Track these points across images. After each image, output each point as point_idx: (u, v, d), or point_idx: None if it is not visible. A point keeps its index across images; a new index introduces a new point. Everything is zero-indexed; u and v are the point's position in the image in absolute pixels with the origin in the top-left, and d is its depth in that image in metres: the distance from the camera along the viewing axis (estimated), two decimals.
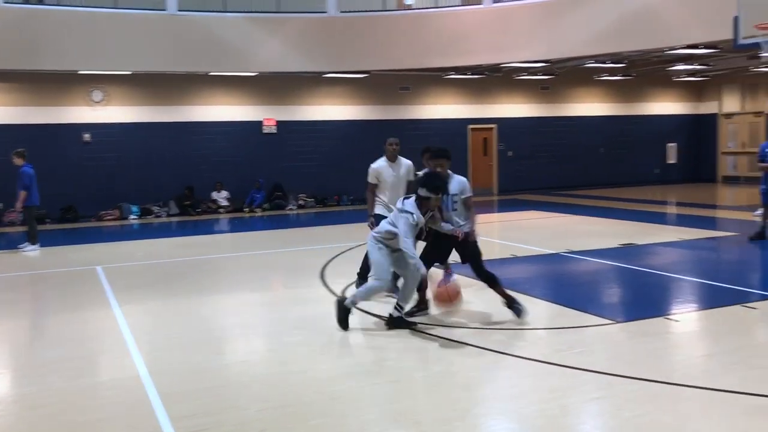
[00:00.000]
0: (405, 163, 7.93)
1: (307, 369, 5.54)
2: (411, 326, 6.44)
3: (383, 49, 17.30)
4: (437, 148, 7.00)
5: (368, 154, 20.13)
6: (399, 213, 6.41)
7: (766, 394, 4.71)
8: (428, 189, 6.34)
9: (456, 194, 6.69)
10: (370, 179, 7.79)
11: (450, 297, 6.66)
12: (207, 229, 15.48)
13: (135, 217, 17.33)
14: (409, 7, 19.64)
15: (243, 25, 16.75)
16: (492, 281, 6.77)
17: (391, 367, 5.57)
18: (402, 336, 6.39)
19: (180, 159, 18.04)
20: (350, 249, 11.18)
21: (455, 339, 6.16)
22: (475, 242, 6.66)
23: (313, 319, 7.10)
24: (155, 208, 17.69)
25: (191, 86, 18.11)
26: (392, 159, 7.82)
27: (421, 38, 17.21)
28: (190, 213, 17.75)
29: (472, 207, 6.75)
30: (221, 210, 18.18)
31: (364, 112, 20.04)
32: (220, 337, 6.67)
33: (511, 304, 6.74)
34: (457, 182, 6.75)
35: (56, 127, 16.88)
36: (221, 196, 18.36)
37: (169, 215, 17.70)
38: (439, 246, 6.81)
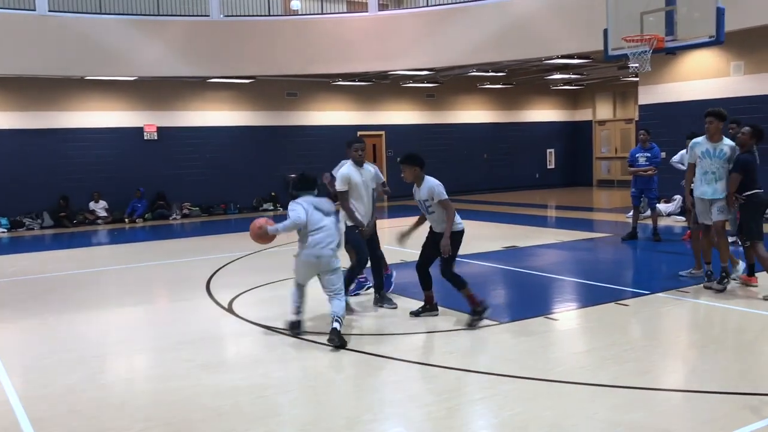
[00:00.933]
0: (370, 168, 7.59)
1: (192, 385, 5.35)
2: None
3: (269, 55, 17.10)
4: (405, 155, 7.02)
5: (256, 160, 19.97)
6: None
7: (637, 386, 4.98)
8: (296, 189, 6.89)
9: (426, 200, 6.80)
10: (341, 186, 7.21)
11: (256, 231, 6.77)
12: (84, 241, 14.69)
13: (4, 230, 16.22)
14: (295, 13, 19.54)
15: (121, 27, 16.06)
16: (458, 284, 6.80)
17: (278, 379, 5.47)
18: (288, 347, 6.30)
19: (54, 168, 17.06)
20: (237, 259, 10.94)
21: (346, 347, 6.13)
22: (448, 244, 6.66)
23: (197, 334, 6.88)
24: (27, 221, 16.63)
25: (65, 91, 17.18)
26: (360, 164, 7.38)
27: (307, 44, 17.14)
28: (66, 225, 16.81)
29: (447, 209, 6.78)
30: (100, 221, 17.34)
31: (251, 118, 19.73)
32: (98, 356, 6.32)
33: (476, 309, 6.73)
34: (426, 189, 6.83)
35: None
36: (99, 207, 17.52)
37: (42, 227, 16.70)
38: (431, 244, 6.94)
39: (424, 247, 7.08)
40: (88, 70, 16.21)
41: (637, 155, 11.79)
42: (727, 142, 7.88)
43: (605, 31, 10.86)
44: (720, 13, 9.30)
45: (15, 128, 16.68)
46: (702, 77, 15.35)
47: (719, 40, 9.57)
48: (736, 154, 7.77)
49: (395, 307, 7.48)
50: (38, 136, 16.90)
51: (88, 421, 4.66)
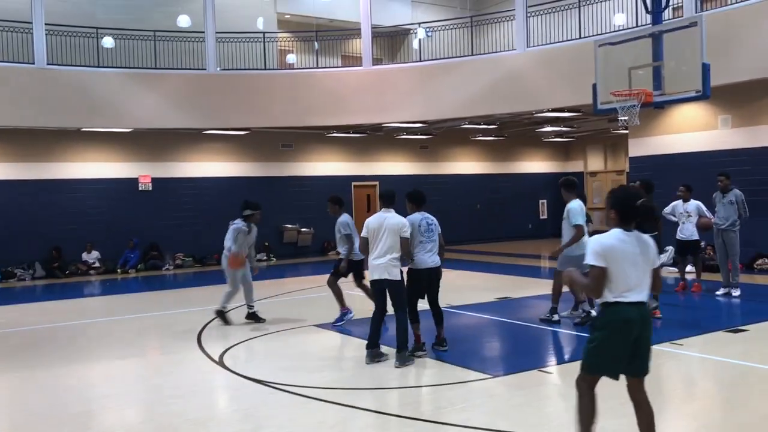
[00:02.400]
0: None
1: None
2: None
3: (264, 107, 17.32)
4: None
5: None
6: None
7: None
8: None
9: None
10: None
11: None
12: (75, 292, 14.59)
13: None
14: (290, 67, 19.87)
15: (118, 80, 16.28)
16: (439, 319, 7.72)
17: None
18: (283, 401, 6.23)
19: (48, 218, 17.05)
20: (229, 311, 10.86)
21: (335, 401, 6.07)
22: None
23: (189, 387, 6.80)
24: (18, 271, 16.54)
25: (61, 142, 17.31)
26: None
27: (303, 97, 17.39)
28: (58, 276, 16.72)
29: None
30: (92, 272, 17.26)
31: (246, 169, 19.86)
32: (87, 411, 6.22)
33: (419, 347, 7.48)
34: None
35: None
36: (92, 257, 17.46)
37: (33, 278, 16.60)
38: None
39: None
40: (85, 122, 16.36)
41: None
42: None
43: (594, 86, 11.09)
44: (705, 68, 9.53)
45: (9, 179, 16.74)
46: (690, 130, 15.59)
47: (705, 94, 9.78)
48: None
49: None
50: (33, 187, 16.95)
51: None
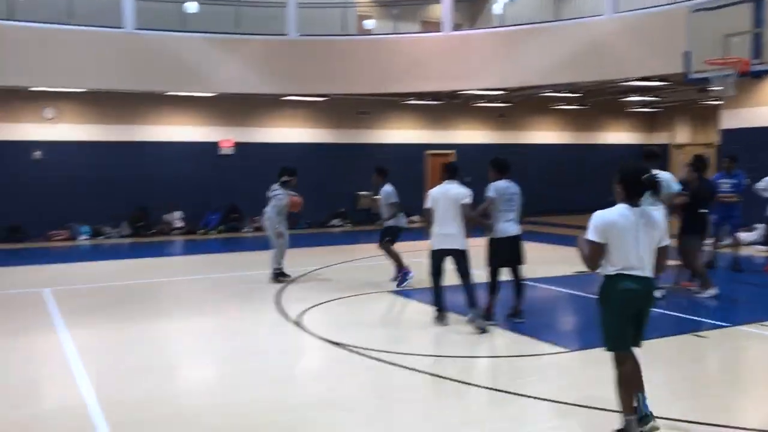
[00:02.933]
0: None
1: (261, 397, 5.42)
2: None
3: (342, 73, 17.34)
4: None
5: (326, 177, 20.11)
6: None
7: (713, 423, 4.77)
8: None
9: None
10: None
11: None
12: (160, 251, 15.17)
13: (85, 237, 16.90)
14: (368, 32, 19.79)
15: (202, 45, 16.61)
16: (520, 290, 7.82)
17: (345, 395, 5.49)
18: (357, 364, 6.32)
19: (134, 179, 17.70)
20: (306, 274, 11.07)
21: (413, 367, 6.11)
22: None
23: (266, 347, 6.99)
24: (107, 229, 17.29)
25: (147, 105, 17.85)
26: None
27: (381, 63, 17.32)
28: (143, 234, 17.40)
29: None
30: (175, 232, 17.87)
31: (323, 136, 20.02)
32: (170, 365, 6.49)
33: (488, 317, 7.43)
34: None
35: (5, 144, 16.43)
36: (175, 218, 18.06)
37: (120, 236, 17.32)
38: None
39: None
40: (170, 86, 16.80)
41: (719, 181, 11.35)
42: None
43: (686, 54, 10.58)
44: None
45: (98, 140, 17.41)
46: None
47: None
48: None
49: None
50: (120, 148, 17.60)
51: (162, 430, 4.78)
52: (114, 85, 16.25)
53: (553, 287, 9.92)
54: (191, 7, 17.43)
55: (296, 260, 12.59)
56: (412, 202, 16.57)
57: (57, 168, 16.90)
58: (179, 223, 18.07)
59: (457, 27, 18.54)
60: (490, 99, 20.67)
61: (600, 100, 21.61)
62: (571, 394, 5.41)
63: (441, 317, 7.66)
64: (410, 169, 20.20)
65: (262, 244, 16.44)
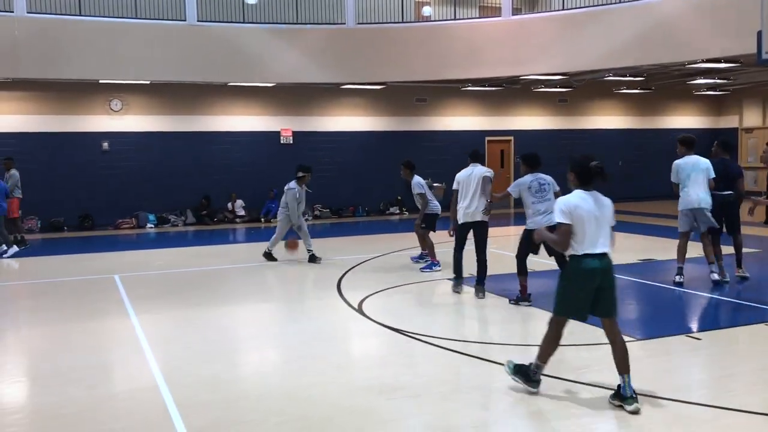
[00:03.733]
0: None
1: (324, 382, 5.50)
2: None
3: (400, 61, 17.31)
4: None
5: (384, 165, 20.11)
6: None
7: None
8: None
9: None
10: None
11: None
12: (223, 238, 15.50)
13: (151, 225, 17.41)
14: (426, 19, 19.66)
15: (261, 35, 16.83)
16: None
17: (409, 381, 5.51)
18: (420, 350, 6.34)
19: (197, 168, 18.11)
20: (365, 261, 11.14)
21: (475, 354, 6.10)
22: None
23: (329, 332, 7.07)
24: (172, 217, 17.76)
25: (209, 96, 18.20)
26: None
27: (438, 50, 17.20)
28: (207, 222, 17.80)
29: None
30: (238, 220, 18.23)
31: (381, 124, 20.05)
32: (236, 349, 6.64)
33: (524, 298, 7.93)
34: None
35: (75, 136, 17.03)
36: (237, 206, 18.41)
37: (185, 224, 17.77)
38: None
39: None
40: (231, 77, 17.10)
41: None
42: None
43: (759, 34, 10.14)
44: None
45: (163, 131, 17.86)
46: None
47: None
48: None
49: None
50: (184, 138, 18.01)
51: (228, 411, 4.90)
52: (177, 77, 16.63)
53: (617, 275, 9.68)
54: None
55: (355, 248, 12.68)
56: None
57: (124, 158, 17.44)
58: (241, 212, 18.41)
59: (516, 11, 18.26)
60: (550, 84, 20.31)
61: (665, 84, 20.97)
62: (640, 384, 5.29)
63: (457, 284, 8.66)
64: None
65: (321, 233, 16.68)
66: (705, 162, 8.98)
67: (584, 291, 4.90)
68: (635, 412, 4.68)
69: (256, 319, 7.87)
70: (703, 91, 23.04)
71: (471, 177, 8.40)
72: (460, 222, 8.42)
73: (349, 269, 10.49)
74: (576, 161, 5.04)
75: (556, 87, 20.83)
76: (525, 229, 7.85)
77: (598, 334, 6.65)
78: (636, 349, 6.31)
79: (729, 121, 24.03)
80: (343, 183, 19.36)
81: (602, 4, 16.52)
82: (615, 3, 16.40)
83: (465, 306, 8.34)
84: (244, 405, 5.04)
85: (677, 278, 8.97)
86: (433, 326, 7.08)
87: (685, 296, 8.56)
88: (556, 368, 5.79)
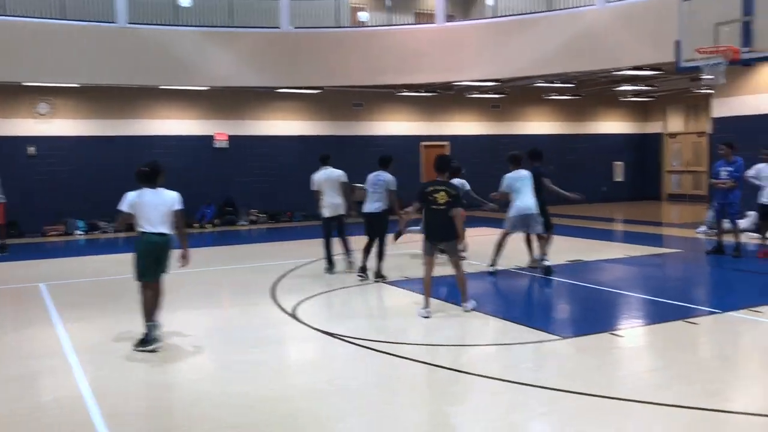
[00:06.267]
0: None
1: (258, 388, 5.48)
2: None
3: (336, 66, 17.36)
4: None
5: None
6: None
7: (705, 407, 4.85)
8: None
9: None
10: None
11: None
12: None
13: (81, 232, 16.92)
14: (363, 24, 19.79)
15: (195, 38, 16.61)
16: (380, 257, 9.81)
17: (343, 386, 5.55)
18: (355, 354, 6.38)
19: (128, 173, 17.48)
20: (301, 266, 11.12)
21: (407, 356, 6.18)
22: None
23: (263, 338, 7.04)
24: (102, 224, 17.31)
25: (141, 100, 17.84)
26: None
27: (374, 55, 17.34)
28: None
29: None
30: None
31: (318, 128, 20.05)
32: (167, 356, 6.54)
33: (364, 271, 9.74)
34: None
35: None
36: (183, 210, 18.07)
37: (116, 231, 17.33)
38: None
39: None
40: (163, 80, 16.81)
41: (719, 169, 11.51)
42: None
43: (677, 43, 10.63)
44: None
45: (93, 135, 17.39)
46: None
47: None
48: None
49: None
50: (115, 143, 17.59)
51: (159, 420, 4.84)
52: (107, 80, 16.25)
53: (546, 276, 9.97)
54: (184, 1, 17.42)
55: (291, 252, 12.64)
56: (408, 193, 16.51)
57: (52, 164, 16.92)
58: None
59: (450, 18, 18.57)
60: (484, 90, 20.71)
61: (593, 90, 21.66)
62: (568, 381, 5.48)
63: (330, 268, 10.34)
64: (405, 160, 20.24)
65: (257, 238, 16.55)
66: (527, 173, 9.98)
67: (149, 258, 6.65)
68: (153, 351, 6.35)
69: (189, 326, 7.75)
70: (629, 97, 23.89)
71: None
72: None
73: (285, 274, 10.46)
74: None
75: (489, 93, 21.25)
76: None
77: (537, 334, 6.86)
78: (563, 347, 6.52)
79: (654, 127, 24.97)
80: (279, 187, 19.25)
81: (532, 13, 16.98)
82: (544, 12, 16.88)
83: (399, 308, 8.43)
84: (174, 413, 4.98)
85: (491, 269, 10.05)
86: (367, 329, 7.14)
87: (610, 296, 8.87)
88: (486, 368, 5.93)
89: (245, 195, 18.92)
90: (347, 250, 10.55)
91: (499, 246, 10.11)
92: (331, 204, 10.38)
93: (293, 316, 7.85)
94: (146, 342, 6.48)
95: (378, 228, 9.85)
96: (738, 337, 6.98)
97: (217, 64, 16.74)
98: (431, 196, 7.60)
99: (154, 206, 6.73)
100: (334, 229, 10.52)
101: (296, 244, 14.47)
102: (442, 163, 7.91)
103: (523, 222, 9.84)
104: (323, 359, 6.39)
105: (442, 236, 7.65)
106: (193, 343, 7.05)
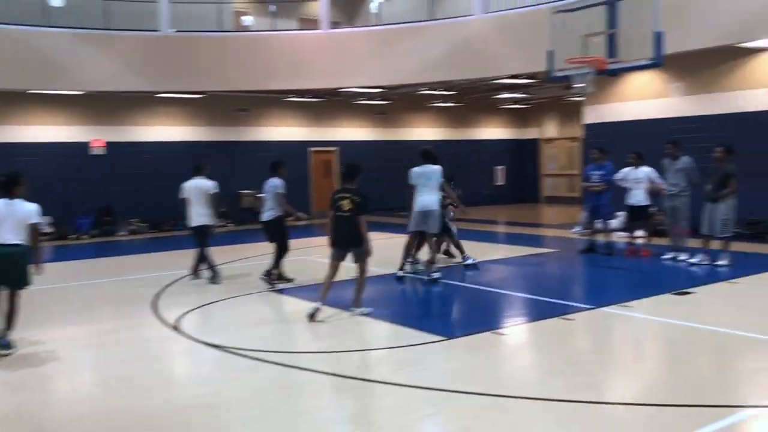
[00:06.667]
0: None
1: (140, 404, 5.27)
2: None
3: (219, 70, 17.01)
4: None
5: (207, 176, 19.39)
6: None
7: (582, 400, 5.11)
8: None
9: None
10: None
11: None
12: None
13: None
14: (246, 29, 19.51)
15: (67, 40, 15.77)
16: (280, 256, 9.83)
17: (227, 397, 5.43)
18: (242, 365, 6.26)
19: None
20: (185, 276, 10.79)
21: (294, 365, 6.13)
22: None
23: (143, 353, 6.78)
24: None
25: (6, 105, 16.75)
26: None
27: (259, 60, 17.13)
28: None
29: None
30: (42, 238, 16.86)
31: (202, 134, 19.57)
32: (42, 375, 6.17)
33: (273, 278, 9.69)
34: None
35: None
36: (43, 223, 17.06)
37: None
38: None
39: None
40: (33, 84, 15.85)
41: (590, 172, 12.24)
42: None
43: (549, 53, 11.15)
44: (659, 37, 9.66)
45: None
46: (643, 98, 15.86)
47: (658, 62, 9.93)
48: None
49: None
50: None
51: None
52: None
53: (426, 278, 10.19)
54: (55, 1, 16.53)
55: (175, 263, 12.24)
56: (298, 199, 16.33)
57: None
58: (47, 228, 17.08)
59: (335, 25, 18.64)
60: (371, 96, 20.94)
61: (475, 97, 22.38)
62: (452, 381, 5.61)
63: (212, 277, 10.33)
64: (294, 166, 20.12)
65: (138, 248, 15.90)
66: (434, 169, 10.13)
67: None
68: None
69: (64, 344, 7.33)
70: (509, 104, 24.88)
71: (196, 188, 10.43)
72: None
73: (167, 286, 10.12)
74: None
75: (375, 99, 21.51)
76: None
77: (424, 336, 6.97)
78: (448, 347, 6.68)
79: (531, 133, 26.12)
80: (162, 195, 18.56)
81: (415, 21, 17.35)
82: (427, 21, 17.29)
83: (287, 317, 8.36)
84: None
85: (399, 272, 10.09)
86: (254, 339, 7.02)
87: (492, 295, 9.18)
88: (374, 373, 5.98)
89: (125, 204, 18.16)
90: (203, 261, 10.44)
91: (408, 249, 10.24)
92: (198, 214, 10.40)
93: (176, 328, 7.61)
94: None
95: (274, 234, 9.80)
96: (610, 331, 7.40)
97: (93, 67, 15.98)
98: (337, 203, 7.73)
99: (6, 218, 6.63)
100: (203, 238, 10.44)
101: (179, 254, 14.00)
102: (349, 170, 8.02)
103: (423, 219, 9.71)
104: (208, 372, 6.22)
105: (348, 242, 7.73)
106: (70, 359, 6.68)
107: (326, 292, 7.79)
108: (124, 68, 16.29)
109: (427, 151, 10.23)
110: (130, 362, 6.41)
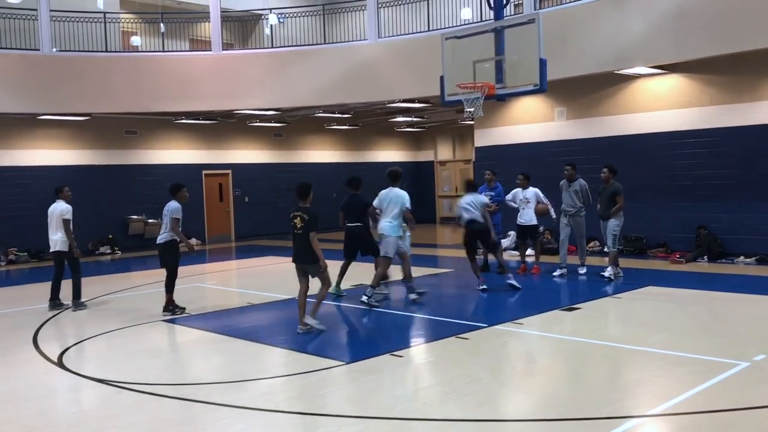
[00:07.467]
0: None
1: None
2: None
3: (105, 91, 16.38)
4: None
5: (92, 201, 18.85)
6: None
7: (475, 419, 5.18)
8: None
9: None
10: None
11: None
12: None
13: None
14: (135, 49, 18.91)
15: None
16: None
17: None
18: (130, 400, 5.96)
19: None
20: (67, 308, 10.22)
21: (185, 397, 5.90)
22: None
23: (22, 391, 6.33)
24: None
25: None
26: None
27: (147, 82, 16.63)
28: None
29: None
30: None
31: (87, 157, 18.72)
32: None
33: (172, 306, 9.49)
34: None
35: None
36: None
37: None
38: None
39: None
40: None
41: (482, 193, 12.54)
42: None
43: (441, 78, 11.42)
44: (542, 63, 10.09)
45: None
46: (530, 122, 16.54)
47: (543, 88, 10.36)
48: None
49: None
50: None
51: None
52: None
53: (327, 302, 10.13)
54: None
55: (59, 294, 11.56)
56: (191, 224, 15.88)
57: None
58: None
59: (228, 47, 18.39)
60: (266, 119, 20.76)
61: (370, 120, 22.64)
62: (349, 405, 5.55)
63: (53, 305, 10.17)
64: (190, 186, 19.64)
65: (18, 279, 14.93)
66: (396, 194, 10.67)
67: None
68: None
69: None
70: (404, 128, 25.31)
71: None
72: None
73: (50, 317, 9.54)
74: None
75: (271, 122, 21.33)
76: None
77: (322, 362, 6.87)
78: (344, 372, 6.63)
79: (426, 155, 26.65)
80: (44, 223, 17.59)
81: (308, 44, 17.39)
82: (320, 44, 17.38)
83: (179, 348, 8.06)
84: None
85: (364, 297, 9.94)
86: (143, 372, 6.72)
87: (390, 317, 9.22)
88: (270, 402, 5.86)
89: (3, 232, 17.06)
90: (56, 290, 10.28)
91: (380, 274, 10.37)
92: (52, 240, 10.29)
93: (59, 364, 7.16)
94: None
95: (164, 259, 9.56)
96: (503, 348, 7.58)
97: None
98: (292, 221, 8.14)
99: None
100: (61, 265, 10.27)
101: (63, 284, 13.27)
102: (300, 189, 8.37)
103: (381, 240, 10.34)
104: (93, 410, 5.88)
105: (304, 259, 8.10)
106: None
107: (301, 313, 8.21)
108: (1, 89, 15.38)
109: (392, 173, 10.68)
110: (6, 402, 5.96)
